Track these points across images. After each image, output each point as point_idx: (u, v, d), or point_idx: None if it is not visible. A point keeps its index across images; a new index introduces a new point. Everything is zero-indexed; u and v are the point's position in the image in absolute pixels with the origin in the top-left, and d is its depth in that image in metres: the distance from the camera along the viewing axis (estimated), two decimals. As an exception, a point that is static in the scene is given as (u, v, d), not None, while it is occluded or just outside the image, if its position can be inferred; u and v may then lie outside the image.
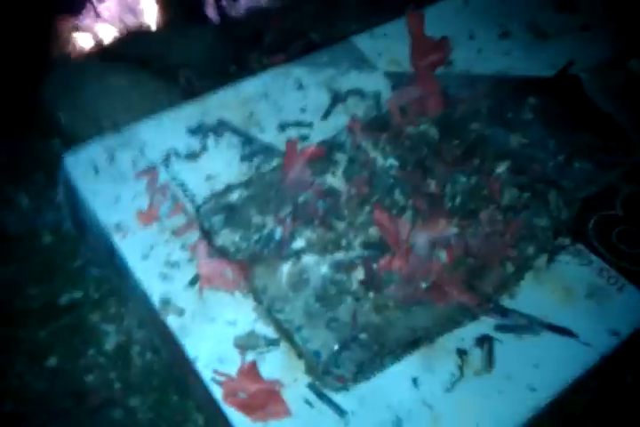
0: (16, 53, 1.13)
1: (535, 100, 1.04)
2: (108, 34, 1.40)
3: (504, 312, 0.78)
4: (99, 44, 1.38)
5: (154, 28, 1.44)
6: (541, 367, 0.75)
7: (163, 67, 1.27)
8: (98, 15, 1.43)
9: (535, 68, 1.08)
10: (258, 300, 0.75)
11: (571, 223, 0.86)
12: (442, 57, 0.96)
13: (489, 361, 0.74)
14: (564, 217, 0.86)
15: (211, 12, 1.54)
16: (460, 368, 0.73)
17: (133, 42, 1.37)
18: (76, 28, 1.38)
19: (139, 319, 0.87)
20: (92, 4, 1.40)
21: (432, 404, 0.71)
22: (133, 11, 1.48)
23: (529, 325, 0.78)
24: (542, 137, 0.99)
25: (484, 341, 0.76)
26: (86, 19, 1.40)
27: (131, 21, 1.45)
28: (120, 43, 1.37)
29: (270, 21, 1.51)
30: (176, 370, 0.80)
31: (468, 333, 0.77)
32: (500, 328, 0.77)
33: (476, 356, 0.75)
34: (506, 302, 0.79)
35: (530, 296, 0.80)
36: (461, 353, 0.74)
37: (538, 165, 0.93)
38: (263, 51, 1.37)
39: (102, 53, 1.31)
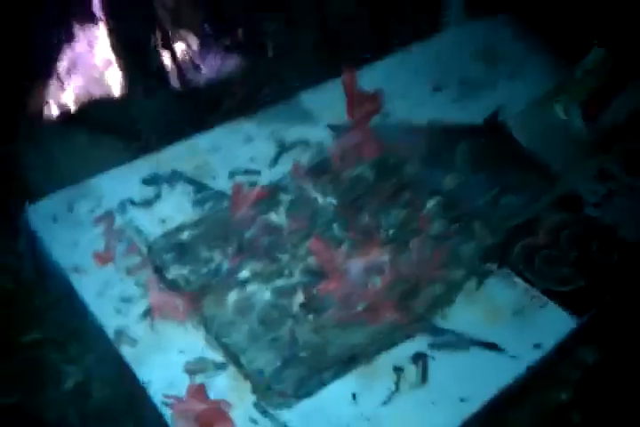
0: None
1: (466, 145, 1.13)
2: (75, 102, 1.51)
3: (436, 331, 0.85)
4: (65, 111, 1.49)
5: (118, 95, 1.55)
6: (471, 380, 0.80)
7: (125, 129, 1.37)
8: (65, 87, 1.54)
9: (466, 117, 1.18)
10: (207, 327, 0.81)
11: (496, 250, 0.94)
12: (376, 108, 1.06)
13: (423, 376, 0.80)
14: (488, 244, 0.94)
15: (174, 80, 1.66)
16: (397, 383, 0.79)
17: (98, 108, 1.48)
18: (44, 98, 1.48)
19: (98, 357, 0.92)
20: (59, 77, 1.51)
21: (370, 417, 0.76)
22: (99, 81, 1.60)
23: (460, 341, 0.84)
24: (473, 177, 1.08)
25: (419, 358, 0.82)
26: (55, 89, 1.51)
27: (96, 90, 1.57)
28: (85, 109, 1.47)
29: (230, 88, 1.63)
30: (133, 402, 0.85)
31: (403, 351, 0.83)
32: (433, 346, 0.83)
33: (412, 372, 0.81)
34: (439, 322, 0.86)
35: (461, 316, 0.87)
36: (397, 370, 0.80)
37: (467, 201, 1.01)
38: (221, 114, 1.48)
39: (68, 119, 1.41)
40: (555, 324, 0.87)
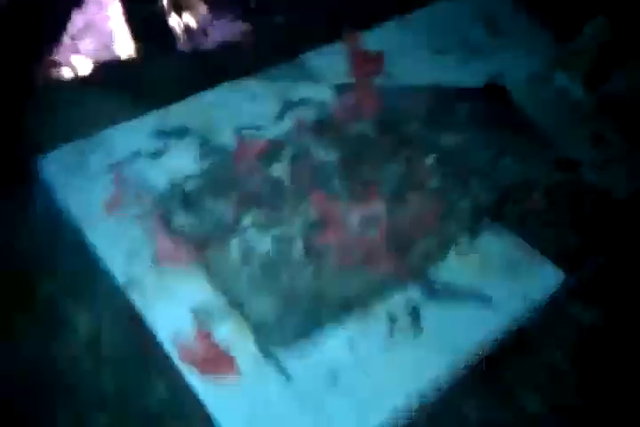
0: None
1: (467, 106, 1.16)
2: (86, 66, 1.54)
3: (429, 282, 0.88)
4: (76, 74, 1.52)
5: (128, 59, 1.58)
6: (462, 329, 0.84)
7: (135, 87, 1.39)
8: (77, 51, 1.57)
9: (467, 80, 1.20)
10: (210, 274, 0.85)
11: (492, 207, 0.97)
12: (378, 68, 1.09)
13: (415, 325, 0.84)
14: (483, 201, 0.97)
15: (182, 44, 1.68)
16: (391, 331, 0.83)
17: (108, 71, 1.51)
18: (56, 62, 1.51)
19: (109, 305, 0.96)
20: (72, 41, 1.54)
21: (364, 361, 0.80)
22: (109, 46, 1.62)
23: (451, 292, 0.88)
24: (473, 137, 1.11)
25: (412, 307, 0.85)
26: (66, 54, 1.54)
27: (107, 55, 1.59)
28: (96, 73, 1.50)
29: (239, 51, 1.65)
30: (143, 347, 0.89)
31: (397, 299, 0.86)
32: (425, 296, 0.87)
33: (405, 320, 0.84)
34: (432, 273, 0.89)
35: (454, 268, 0.90)
36: (392, 317, 0.84)
37: (465, 159, 1.04)
38: (230, 77, 1.50)
39: (81, 78, 1.44)
40: (545, 278, 0.90)
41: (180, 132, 1.02)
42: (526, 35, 1.28)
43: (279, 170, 0.95)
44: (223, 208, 0.91)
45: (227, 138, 1.00)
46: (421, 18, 1.28)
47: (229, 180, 0.94)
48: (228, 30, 1.73)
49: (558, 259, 0.91)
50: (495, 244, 0.92)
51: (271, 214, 0.90)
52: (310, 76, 1.14)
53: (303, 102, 1.08)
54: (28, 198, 1.01)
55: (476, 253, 0.91)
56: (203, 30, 1.75)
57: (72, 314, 0.97)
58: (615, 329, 1.03)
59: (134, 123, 1.02)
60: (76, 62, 1.50)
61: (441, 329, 0.84)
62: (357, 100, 1.05)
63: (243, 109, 1.06)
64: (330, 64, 1.13)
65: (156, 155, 0.98)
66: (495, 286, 0.87)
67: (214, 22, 1.74)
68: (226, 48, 1.67)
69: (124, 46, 1.59)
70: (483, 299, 0.86)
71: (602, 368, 0.99)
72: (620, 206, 0.98)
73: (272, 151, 0.98)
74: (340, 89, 1.10)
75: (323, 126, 1.03)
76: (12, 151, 1.11)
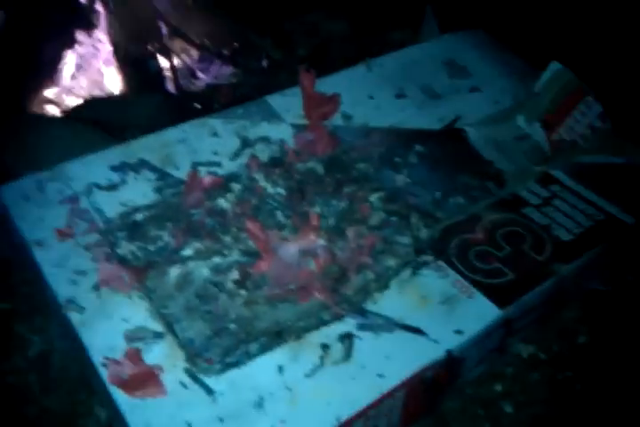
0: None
1: (422, 148, 1.21)
2: (71, 102, 1.62)
3: (365, 314, 0.91)
4: (63, 109, 1.59)
5: (114, 96, 1.66)
6: (392, 359, 0.86)
7: (115, 127, 1.46)
8: (66, 87, 1.65)
9: (426, 123, 1.25)
10: (149, 299, 0.89)
11: (434, 243, 1.00)
12: (332, 109, 1.14)
13: (347, 353, 0.87)
14: (426, 237, 1.01)
15: (170, 86, 1.76)
16: (322, 359, 0.86)
17: (93, 108, 1.58)
18: (43, 96, 1.59)
19: (59, 328, 1.00)
20: (62, 78, 1.62)
21: (293, 387, 0.82)
22: (99, 84, 1.70)
23: (386, 324, 0.91)
24: (424, 178, 1.15)
25: (346, 337, 0.88)
26: (55, 89, 1.62)
27: (95, 92, 1.67)
28: (80, 109, 1.57)
29: (220, 95, 1.73)
30: (86, 372, 0.93)
31: (332, 330, 0.89)
32: (360, 327, 0.90)
33: (338, 350, 0.87)
34: (369, 306, 0.92)
35: (391, 302, 0.93)
36: (324, 347, 0.87)
37: (412, 198, 1.08)
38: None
39: (60, 116, 1.51)
40: (479, 313, 0.92)
41: (139, 166, 1.07)
42: (490, 79, 1.32)
43: (225, 202, 0.99)
44: (167, 238, 0.95)
45: (183, 173, 1.05)
46: (387, 62, 1.33)
47: (176, 211, 0.98)
48: (215, 73, 1.80)
49: (491, 293, 0.93)
50: (434, 279, 0.95)
51: (211, 244, 0.94)
52: (272, 116, 1.19)
53: (262, 140, 1.14)
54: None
55: (414, 288, 0.93)
56: (191, 72, 1.83)
57: (24, 334, 1.01)
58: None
59: (96, 156, 1.07)
60: (62, 98, 1.58)
61: (371, 357, 0.86)
62: (311, 139, 1.10)
63: (203, 146, 1.12)
64: (291, 104, 1.19)
65: (113, 187, 1.03)
66: (430, 319, 0.90)
67: (203, 65, 1.82)
68: (211, 89, 1.74)
69: (113, 85, 1.66)
70: (415, 331, 0.88)
71: (539, 401, 1.01)
72: (559, 243, 1.01)
73: (221, 185, 1.02)
74: (297, 129, 1.15)
75: (275, 163, 1.07)
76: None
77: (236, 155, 1.10)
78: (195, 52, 1.83)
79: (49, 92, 1.61)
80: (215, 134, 1.14)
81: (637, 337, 1.07)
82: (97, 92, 1.69)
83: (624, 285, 1.16)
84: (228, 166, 1.09)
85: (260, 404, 0.80)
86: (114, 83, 1.71)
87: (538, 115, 1.24)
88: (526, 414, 0.99)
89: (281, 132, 1.16)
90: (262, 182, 1.03)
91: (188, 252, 0.93)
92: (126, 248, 0.94)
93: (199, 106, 1.65)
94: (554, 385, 1.02)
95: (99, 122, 1.43)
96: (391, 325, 0.90)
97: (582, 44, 1.41)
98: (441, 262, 0.99)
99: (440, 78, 1.34)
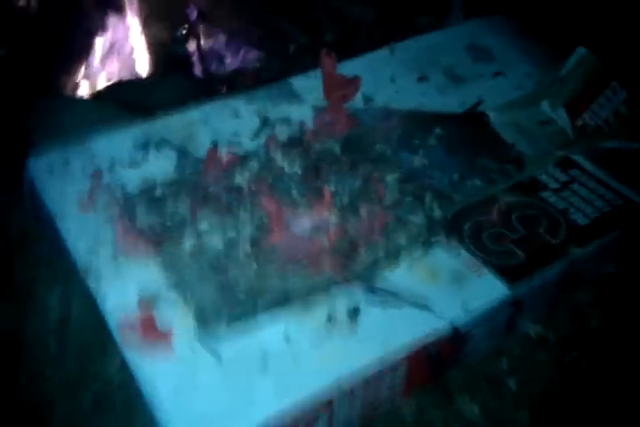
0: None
1: (441, 131, 1.21)
2: (102, 84, 1.66)
3: (373, 289, 0.93)
4: (91, 91, 1.63)
5: (142, 79, 1.70)
6: (397, 333, 0.87)
7: (141, 108, 1.50)
8: (99, 69, 1.69)
9: (447, 106, 1.26)
10: (163, 266, 0.92)
11: (445, 222, 1.02)
12: (352, 91, 1.15)
13: (353, 326, 0.88)
14: (439, 217, 1.02)
15: (196, 69, 1.79)
16: (328, 330, 0.87)
17: (120, 90, 1.62)
18: (75, 80, 1.64)
19: (79, 299, 1.04)
20: (95, 60, 1.66)
21: (297, 354, 0.84)
22: (129, 66, 1.74)
23: (394, 300, 0.92)
24: (443, 161, 1.16)
25: (353, 310, 0.90)
26: (88, 70, 1.67)
27: (124, 75, 1.71)
28: (108, 91, 1.61)
29: (245, 78, 1.76)
30: (101, 337, 0.96)
31: (340, 303, 0.90)
32: (368, 301, 0.91)
33: (344, 321, 0.88)
34: (378, 282, 0.94)
35: (400, 279, 0.94)
36: (331, 318, 0.88)
37: (428, 179, 1.09)
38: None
39: (89, 95, 1.55)
40: (487, 291, 0.93)
41: (161, 145, 1.09)
42: (513, 64, 1.32)
43: (241, 180, 1.02)
44: (183, 211, 0.97)
45: (203, 152, 1.08)
46: (410, 46, 1.34)
47: (194, 188, 1.00)
48: (242, 57, 1.83)
49: (503, 273, 0.94)
50: (445, 259, 0.96)
51: (226, 218, 0.96)
52: (293, 98, 1.21)
53: (282, 121, 1.15)
54: (17, 192, 1.10)
55: (424, 266, 0.95)
56: (218, 56, 1.86)
57: (46, 300, 1.05)
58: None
59: (119, 134, 1.10)
60: (92, 80, 1.62)
61: (376, 328, 0.88)
62: (330, 120, 1.12)
63: (224, 126, 1.14)
64: (313, 86, 1.20)
65: (135, 164, 1.06)
66: (438, 296, 0.91)
67: (230, 49, 1.84)
68: (236, 74, 1.77)
69: (141, 68, 1.70)
70: (423, 304, 0.89)
71: (544, 380, 1.01)
72: (575, 228, 1.01)
73: (239, 163, 1.04)
74: (317, 110, 1.17)
75: (293, 143, 1.09)
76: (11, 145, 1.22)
77: (255, 135, 1.12)
78: (222, 37, 1.85)
79: (79, 75, 1.65)
80: (237, 115, 1.16)
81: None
82: (125, 75, 1.73)
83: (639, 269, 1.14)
84: (248, 146, 1.11)
85: (264, 370, 0.82)
86: (142, 66, 1.74)
87: (563, 100, 1.23)
88: (529, 392, 0.99)
89: (302, 113, 1.17)
90: (279, 161, 1.05)
91: (203, 226, 0.96)
92: (144, 221, 0.96)
93: (224, 90, 1.67)
94: (560, 366, 1.02)
95: (126, 103, 1.46)
96: (399, 300, 0.91)
97: (608, 30, 1.40)
98: (453, 242, 0.99)
99: (463, 63, 1.34)
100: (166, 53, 1.81)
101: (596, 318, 1.08)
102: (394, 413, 0.94)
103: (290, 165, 1.06)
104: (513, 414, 0.98)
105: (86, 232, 0.97)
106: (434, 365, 0.92)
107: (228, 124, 1.15)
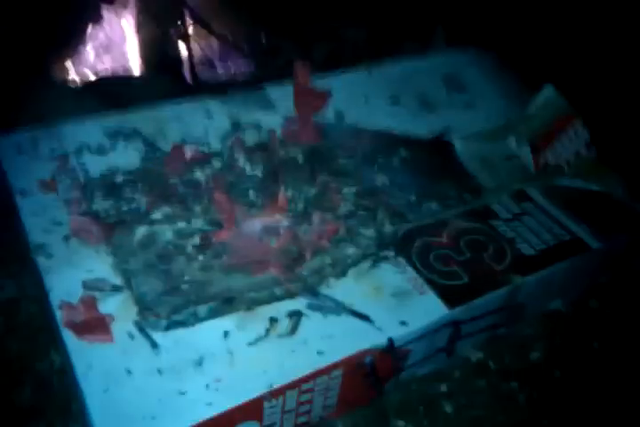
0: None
1: (406, 153, 1.25)
2: (91, 74, 1.68)
3: (316, 295, 0.95)
4: (79, 79, 1.65)
5: (131, 74, 1.72)
6: (334, 339, 0.89)
7: (124, 102, 1.52)
8: (89, 61, 1.71)
9: (416, 131, 1.29)
10: (113, 254, 0.94)
11: (395, 239, 1.04)
12: (321, 104, 1.19)
13: (293, 329, 0.90)
14: (390, 234, 1.05)
15: (186, 71, 1.82)
16: (267, 331, 0.89)
17: (109, 83, 1.64)
18: (65, 66, 1.66)
19: (32, 279, 1.05)
20: (88, 52, 1.69)
21: (234, 352, 0.86)
22: (119, 61, 1.76)
23: (335, 307, 0.94)
24: (403, 181, 1.20)
25: (294, 314, 0.92)
26: (78, 61, 1.69)
27: (114, 68, 1.73)
28: (98, 81, 1.64)
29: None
30: (47, 317, 0.97)
31: (283, 306, 0.92)
32: (310, 306, 0.94)
33: (284, 324, 0.91)
34: (323, 289, 0.96)
35: (345, 289, 0.96)
36: (272, 320, 0.91)
37: (386, 197, 1.12)
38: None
39: (74, 84, 1.57)
40: (427, 309, 0.96)
41: (131, 136, 1.12)
42: (484, 96, 1.36)
43: (201, 175, 1.04)
44: (140, 200, 0.99)
45: (171, 146, 1.10)
46: (387, 69, 1.38)
47: (155, 179, 1.03)
48: (231, 65, 1.86)
49: (444, 294, 0.97)
50: (392, 274, 0.98)
51: (180, 211, 0.98)
52: (267, 105, 1.24)
53: (252, 127, 1.18)
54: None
55: (370, 279, 0.97)
56: (208, 61, 1.89)
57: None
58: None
59: (92, 121, 1.13)
60: (82, 69, 1.64)
61: (315, 336, 0.89)
62: (297, 131, 1.15)
63: (194, 125, 1.17)
64: (288, 96, 1.23)
65: (103, 151, 1.08)
66: (378, 309, 0.93)
67: (221, 56, 1.87)
68: (222, 81, 1.80)
69: (132, 64, 1.72)
70: (362, 317, 0.91)
71: (481, 406, 1.03)
72: (520, 256, 1.04)
73: (202, 160, 1.07)
74: (288, 119, 1.20)
75: (259, 148, 1.12)
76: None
77: (224, 137, 1.14)
78: (215, 43, 1.88)
79: (70, 62, 1.67)
80: (209, 116, 1.19)
81: (589, 362, 1.10)
82: (115, 69, 1.75)
83: (586, 310, 1.18)
84: (215, 146, 1.13)
85: (199, 362, 0.84)
86: (133, 62, 1.77)
87: (528, 137, 1.27)
88: (465, 416, 1.01)
89: (272, 121, 1.21)
90: (241, 163, 1.08)
91: (156, 215, 0.98)
92: (100, 205, 0.99)
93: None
94: (497, 393, 1.04)
95: (109, 96, 1.48)
96: (340, 308, 0.93)
97: (580, 70, 1.45)
98: (401, 259, 1.02)
99: (437, 90, 1.38)
100: (158, 54, 1.83)
101: (538, 350, 1.10)
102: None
103: (252, 168, 1.08)
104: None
105: (44, 212, 0.99)
106: (370, 380, 0.93)
107: (199, 124, 1.19)
